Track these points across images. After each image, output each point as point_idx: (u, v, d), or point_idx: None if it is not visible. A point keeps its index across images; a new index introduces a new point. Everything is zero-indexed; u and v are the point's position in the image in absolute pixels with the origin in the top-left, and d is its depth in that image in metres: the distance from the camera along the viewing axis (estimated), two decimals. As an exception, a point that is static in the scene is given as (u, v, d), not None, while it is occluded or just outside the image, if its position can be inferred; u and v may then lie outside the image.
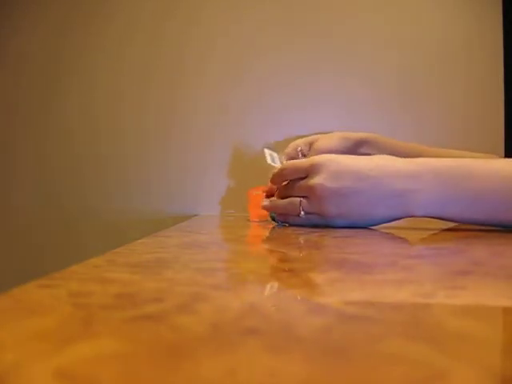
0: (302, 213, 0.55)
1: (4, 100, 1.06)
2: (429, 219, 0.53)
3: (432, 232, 0.55)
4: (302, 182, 0.55)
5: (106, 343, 0.14)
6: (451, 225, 0.58)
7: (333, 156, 0.55)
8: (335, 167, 0.53)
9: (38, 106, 1.05)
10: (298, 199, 0.56)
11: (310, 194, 0.54)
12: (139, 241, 0.41)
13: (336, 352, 0.14)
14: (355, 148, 0.73)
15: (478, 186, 0.49)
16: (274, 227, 0.62)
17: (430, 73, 1.03)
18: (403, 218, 0.53)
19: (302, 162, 0.57)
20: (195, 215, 0.96)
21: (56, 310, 0.18)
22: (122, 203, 1.04)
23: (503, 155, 0.96)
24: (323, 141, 0.72)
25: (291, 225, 0.59)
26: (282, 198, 0.59)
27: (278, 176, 0.59)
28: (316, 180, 0.53)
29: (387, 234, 0.54)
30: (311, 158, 0.56)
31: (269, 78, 1.04)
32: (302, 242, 0.49)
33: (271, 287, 0.24)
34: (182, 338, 0.15)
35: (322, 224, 0.56)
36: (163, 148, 1.04)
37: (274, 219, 0.65)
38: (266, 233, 0.58)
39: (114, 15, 1.05)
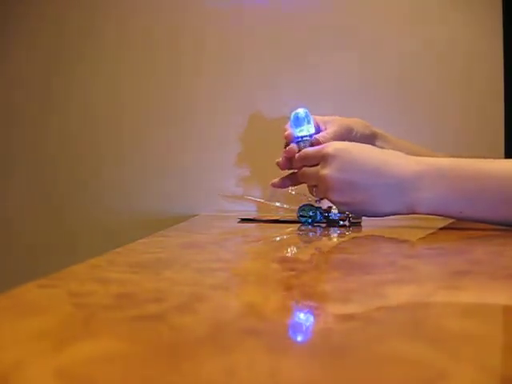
0: (316, 199, 0.60)
1: (2, 102, 1.06)
2: (430, 217, 0.53)
3: (432, 232, 0.55)
4: (313, 171, 0.57)
5: (106, 343, 0.14)
6: (451, 225, 0.58)
7: (345, 145, 0.55)
8: (346, 158, 0.54)
9: (37, 107, 1.05)
10: (311, 186, 0.59)
11: (318, 182, 0.56)
12: (139, 241, 0.41)
13: (336, 352, 0.14)
14: (370, 140, 0.72)
15: (478, 186, 0.49)
16: (273, 228, 0.62)
17: (430, 73, 1.03)
18: (406, 214, 0.53)
19: (313, 150, 0.58)
20: (195, 215, 0.96)
21: (56, 310, 0.18)
22: (121, 203, 1.03)
23: (503, 155, 0.96)
24: (345, 121, 0.70)
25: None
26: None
27: (297, 161, 0.61)
28: (325, 171, 0.54)
29: (387, 233, 0.54)
30: (323, 146, 0.57)
31: (269, 79, 1.04)
32: (302, 242, 0.49)
33: (271, 287, 0.24)
34: (182, 337, 0.15)
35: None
36: (163, 148, 1.04)
37: (301, 218, 0.64)
38: (267, 233, 0.58)
39: (112, 16, 1.05)
